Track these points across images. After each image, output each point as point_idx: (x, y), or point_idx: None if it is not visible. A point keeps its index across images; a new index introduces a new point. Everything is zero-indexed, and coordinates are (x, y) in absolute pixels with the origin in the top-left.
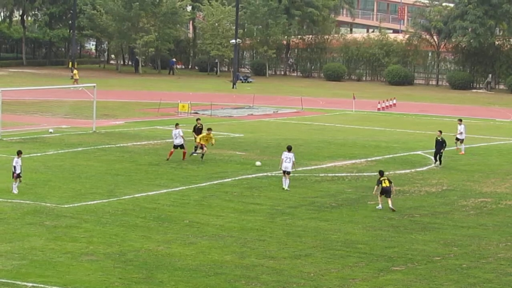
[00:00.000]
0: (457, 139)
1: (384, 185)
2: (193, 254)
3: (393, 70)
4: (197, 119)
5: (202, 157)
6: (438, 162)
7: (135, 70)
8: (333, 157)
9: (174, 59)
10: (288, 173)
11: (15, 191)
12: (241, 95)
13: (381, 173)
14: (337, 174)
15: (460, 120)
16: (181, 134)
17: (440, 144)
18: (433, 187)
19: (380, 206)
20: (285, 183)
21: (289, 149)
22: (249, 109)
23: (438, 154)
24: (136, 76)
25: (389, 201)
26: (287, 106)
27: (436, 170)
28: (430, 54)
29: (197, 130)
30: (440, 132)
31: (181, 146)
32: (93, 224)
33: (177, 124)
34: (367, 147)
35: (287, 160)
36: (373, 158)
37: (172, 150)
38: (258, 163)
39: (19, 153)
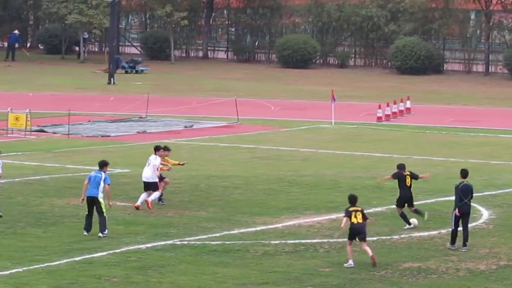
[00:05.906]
0: None
1: (354, 220)
2: None
3: (405, 47)
4: None
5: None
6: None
7: None
8: (295, 208)
9: (17, 32)
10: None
11: None
12: (125, 96)
13: (353, 199)
14: (303, 241)
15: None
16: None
17: (468, 193)
18: (481, 260)
19: (351, 262)
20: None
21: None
22: (140, 122)
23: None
24: None
25: (365, 247)
26: (210, 115)
27: (485, 230)
28: (473, 16)
29: None
30: (464, 174)
31: None
32: None
33: None
34: (359, 189)
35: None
36: (372, 210)
37: None
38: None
39: None
